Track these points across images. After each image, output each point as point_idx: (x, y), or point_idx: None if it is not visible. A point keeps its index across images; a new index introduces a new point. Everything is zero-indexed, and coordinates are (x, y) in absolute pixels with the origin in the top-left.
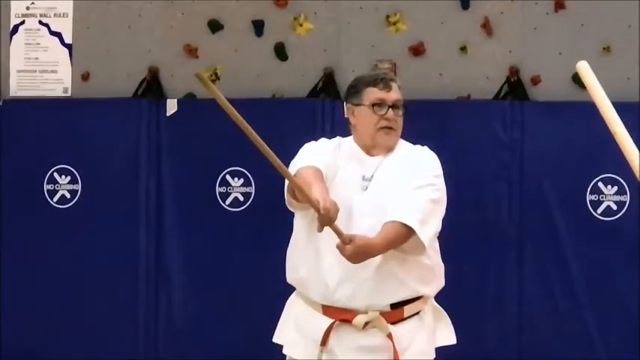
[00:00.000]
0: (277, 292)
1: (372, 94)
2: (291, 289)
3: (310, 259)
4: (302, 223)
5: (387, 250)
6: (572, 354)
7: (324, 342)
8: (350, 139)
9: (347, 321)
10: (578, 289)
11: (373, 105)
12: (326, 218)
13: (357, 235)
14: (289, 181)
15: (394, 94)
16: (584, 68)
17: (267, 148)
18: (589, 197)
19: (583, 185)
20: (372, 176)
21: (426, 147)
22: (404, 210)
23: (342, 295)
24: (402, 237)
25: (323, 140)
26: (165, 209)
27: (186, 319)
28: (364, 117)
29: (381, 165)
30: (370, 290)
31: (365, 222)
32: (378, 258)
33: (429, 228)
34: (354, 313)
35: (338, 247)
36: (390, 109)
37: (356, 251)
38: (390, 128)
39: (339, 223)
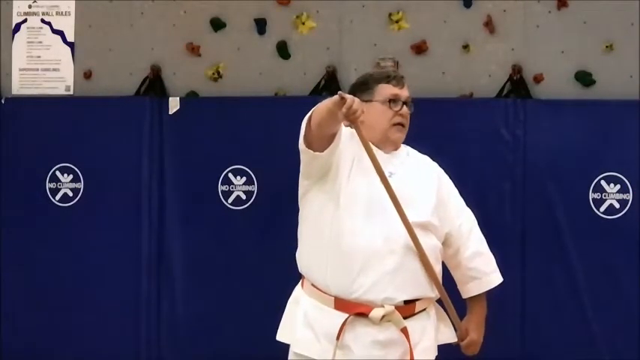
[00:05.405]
0: (280, 290)
1: (387, 90)
2: (293, 287)
3: (329, 245)
4: (317, 204)
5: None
6: (574, 353)
7: (338, 337)
8: None
9: (361, 315)
10: (581, 288)
11: (390, 101)
12: (350, 110)
13: (471, 331)
14: (389, 193)
15: (406, 92)
16: None
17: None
18: (592, 195)
19: (586, 183)
20: (390, 173)
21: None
22: (488, 268)
23: (361, 284)
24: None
25: None
26: (168, 207)
27: (188, 317)
28: (377, 113)
29: (394, 163)
30: (389, 283)
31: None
32: (401, 254)
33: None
34: (370, 306)
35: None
36: (404, 106)
37: (479, 340)
38: (403, 125)
39: (361, 207)
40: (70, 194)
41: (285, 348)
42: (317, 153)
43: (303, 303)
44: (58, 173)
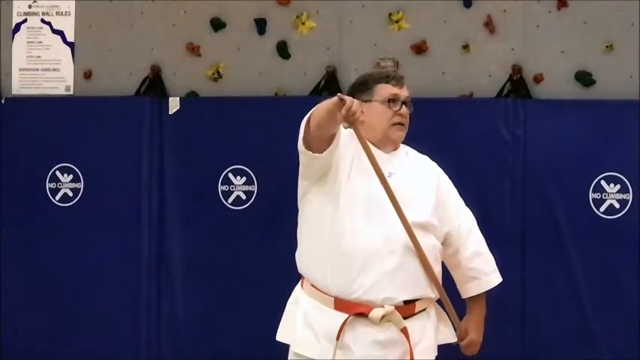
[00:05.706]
0: (280, 290)
1: (386, 89)
2: (293, 287)
3: (328, 246)
4: (317, 205)
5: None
6: (574, 353)
7: (338, 337)
8: None
9: (361, 315)
10: (581, 288)
11: (389, 100)
12: (350, 112)
13: (471, 331)
14: (388, 194)
15: (406, 91)
16: None
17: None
18: (592, 195)
19: (586, 183)
20: (389, 173)
21: (427, 157)
22: (487, 268)
23: (361, 284)
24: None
25: None
26: (168, 207)
27: (188, 317)
28: (376, 113)
29: (393, 163)
30: (389, 283)
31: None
32: (401, 255)
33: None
34: (369, 306)
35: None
36: (404, 105)
37: (479, 340)
38: (402, 124)
39: (361, 208)
40: (70, 194)
41: (285, 348)
42: (316, 154)
43: (303, 303)
44: (58, 173)
